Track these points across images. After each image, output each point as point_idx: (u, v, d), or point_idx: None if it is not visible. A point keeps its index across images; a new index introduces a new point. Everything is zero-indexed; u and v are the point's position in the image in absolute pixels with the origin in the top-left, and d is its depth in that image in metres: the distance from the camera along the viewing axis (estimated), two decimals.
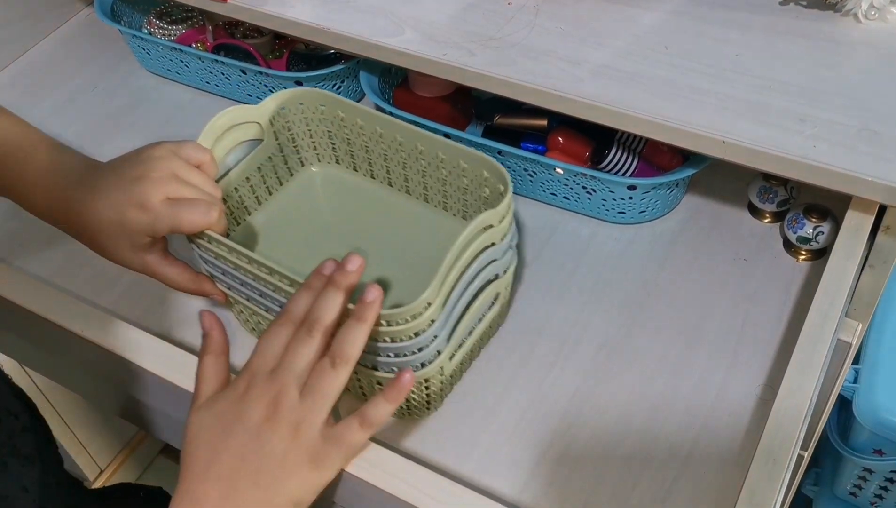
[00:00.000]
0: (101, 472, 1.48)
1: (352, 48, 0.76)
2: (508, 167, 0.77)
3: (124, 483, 0.93)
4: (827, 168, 0.60)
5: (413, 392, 0.61)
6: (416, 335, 0.56)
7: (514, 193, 0.80)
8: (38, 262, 0.79)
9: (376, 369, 0.59)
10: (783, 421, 0.53)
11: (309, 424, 0.51)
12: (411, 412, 0.64)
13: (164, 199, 0.60)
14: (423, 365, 0.59)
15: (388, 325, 0.54)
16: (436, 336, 0.57)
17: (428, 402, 0.63)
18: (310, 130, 0.75)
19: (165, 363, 0.63)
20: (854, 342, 0.73)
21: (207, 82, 0.92)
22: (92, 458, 1.45)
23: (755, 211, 0.77)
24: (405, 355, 0.57)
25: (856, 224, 0.64)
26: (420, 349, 0.57)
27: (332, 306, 0.54)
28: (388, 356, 0.57)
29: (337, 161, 0.78)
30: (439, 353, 0.59)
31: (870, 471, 1.11)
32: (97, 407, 1.39)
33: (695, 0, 0.74)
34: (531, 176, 0.77)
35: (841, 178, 0.60)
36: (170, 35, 0.97)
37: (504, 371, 0.68)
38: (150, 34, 0.97)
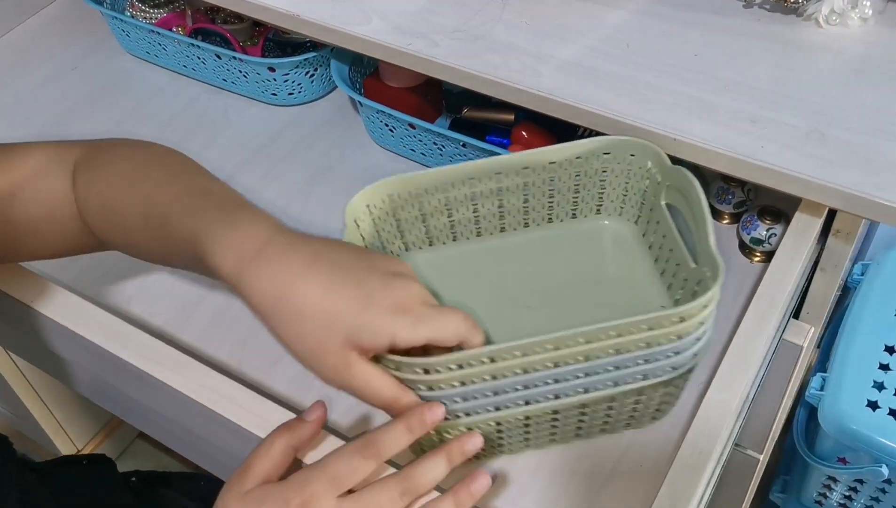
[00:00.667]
0: (79, 452, 1.49)
1: (320, 35, 0.77)
2: (472, 160, 0.78)
3: (65, 455, 0.93)
4: (774, 169, 0.61)
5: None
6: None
7: None
8: None
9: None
10: (711, 415, 0.54)
11: None
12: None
13: (425, 301, 0.49)
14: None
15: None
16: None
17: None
18: (397, 219, 0.66)
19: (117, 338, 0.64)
20: (805, 345, 0.73)
21: (184, 66, 0.93)
22: (70, 439, 1.46)
23: (714, 212, 0.77)
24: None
25: (803, 226, 0.64)
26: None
27: (434, 477, 0.47)
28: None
29: (430, 242, 0.69)
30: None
31: (834, 479, 1.11)
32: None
33: (660, 0, 0.75)
34: None
35: (787, 179, 0.61)
36: (151, 18, 0.98)
37: None
38: (133, 17, 0.98)
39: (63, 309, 0.63)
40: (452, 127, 0.83)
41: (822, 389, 1.07)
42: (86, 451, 1.50)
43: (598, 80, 0.68)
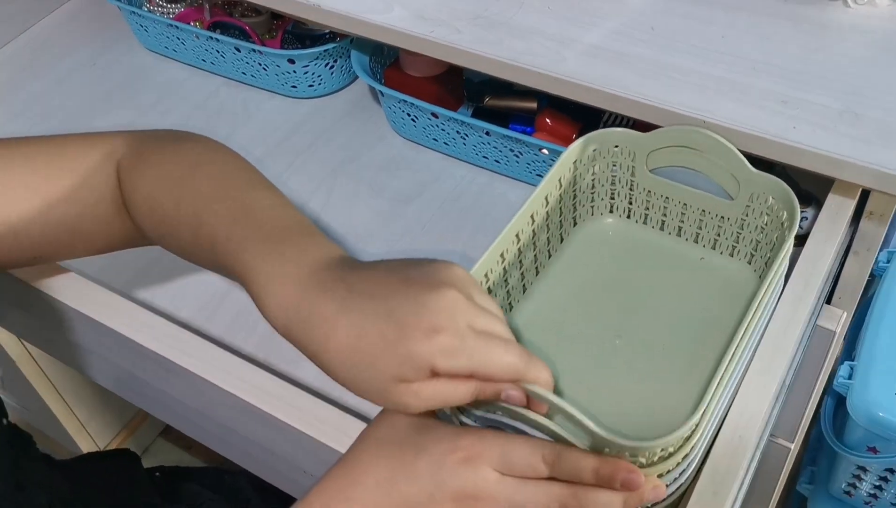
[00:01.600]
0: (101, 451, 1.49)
1: (341, 25, 0.76)
2: (495, 148, 0.77)
3: (89, 452, 0.93)
4: (805, 149, 0.60)
5: None
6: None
7: (501, 173, 0.81)
8: None
9: None
10: (749, 401, 0.53)
11: None
12: None
13: (469, 326, 0.44)
14: None
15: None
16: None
17: None
18: (614, 176, 0.66)
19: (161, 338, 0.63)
20: (838, 331, 0.72)
21: (203, 60, 0.93)
22: (91, 437, 1.46)
23: None
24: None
25: (836, 208, 0.63)
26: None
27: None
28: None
29: (629, 214, 0.69)
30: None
31: (864, 469, 1.10)
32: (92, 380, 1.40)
33: None
34: (517, 157, 0.77)
35: (820, 159, 0.60)
36: (169, 13, 0.98)
37: None
38: (150, 12, 0.97)
39: (88, 300, 0.62)
40: (475, 115, 0.82)
41: (850, 377, 1.06)
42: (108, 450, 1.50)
43: (623, 63, 0.67)
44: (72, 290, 0.64)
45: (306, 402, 0.55)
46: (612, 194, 0.68)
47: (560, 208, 0.65)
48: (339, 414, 0.55)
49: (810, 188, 0.71)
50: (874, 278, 1.14)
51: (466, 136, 0.78)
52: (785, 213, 0.58)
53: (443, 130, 0.79)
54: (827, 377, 1.05)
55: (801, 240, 0.72)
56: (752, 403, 0.53)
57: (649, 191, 0.66)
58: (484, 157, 0.79)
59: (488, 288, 0.58)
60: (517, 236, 0.60)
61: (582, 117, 0.77)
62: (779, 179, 0.58)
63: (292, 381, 0.58)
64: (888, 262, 1.12)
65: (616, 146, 0.64)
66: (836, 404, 1.12)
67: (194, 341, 0.59)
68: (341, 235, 0.78)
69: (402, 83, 0.83)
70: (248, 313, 0.71)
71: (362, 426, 0.52)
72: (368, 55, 0.84)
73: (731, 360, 0.49)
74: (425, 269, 0.46)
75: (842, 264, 0.70)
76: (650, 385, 0.58)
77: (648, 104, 0.65)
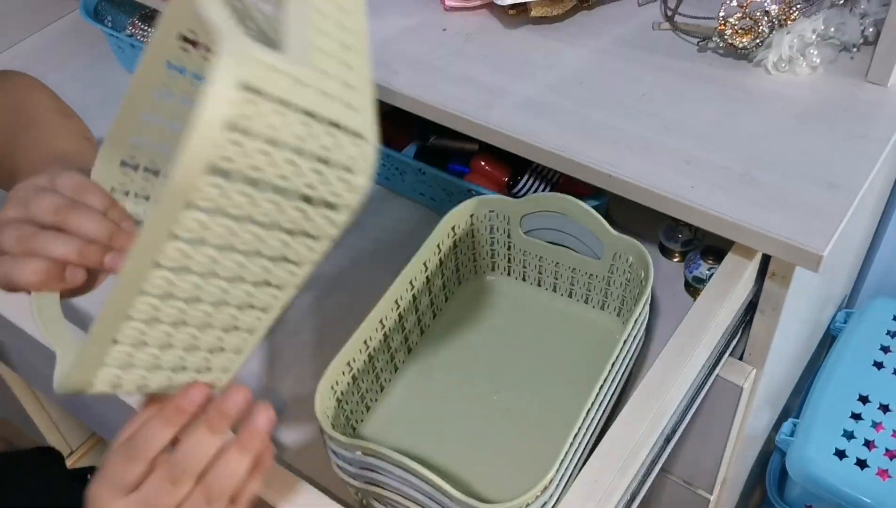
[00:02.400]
0: (72, 452, 1.52)
1: None
2: (430, 186, 0.80)
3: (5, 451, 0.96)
4: (701, 209, 0.62)
5: None
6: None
7: (434, 209, 0.83)
8: None
9: None
10: (613, 446, 0.55)
11: None
12: None
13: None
14: None
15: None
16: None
17: None
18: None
19: None
20: (746, 386, 0.74)
21: None
22: (63, 437, 1.50)
23: (664, 250, 0.78)
24: None
25: (733, 267, 0.65)
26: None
27: (203, 452, 0.42)
28: None
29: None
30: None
31: None
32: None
33: (621, 41, 0.77)
34: (450, 196, 0.80)
35: (714, 220, 0.62)
36: (148, 37, 1.02)
37: None
38: (132, 35, 1.02)
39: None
40: (419, 153, 0.85)
41: (791, 434, 1.07)
42: (80, 450, 1.53)
43: (547, 115, 0.70)
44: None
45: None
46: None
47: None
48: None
49: (724, 245, 0.73)
50: (832, 337, 1.15)
51: (404, 172, 0.81)
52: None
53: (383, 165, 0.82)
54: (766, 434, 1.06)
55: None
56: (615, 449, 0.55)
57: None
58: (420, 193, 0.82)
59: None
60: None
61: (512, 162, 0.80)
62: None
63: None
64: (844, 322, 1.13)
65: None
66: (781, 460, 1.13)
67: None
68: None
69: None
70: None
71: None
72: None
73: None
74: None
75: (750, 322, 0.72)
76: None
77: (562, 156, 0.67)
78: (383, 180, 0.85)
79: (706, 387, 0.68)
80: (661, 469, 0.66)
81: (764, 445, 1.10)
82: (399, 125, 0.87)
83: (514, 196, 0.78)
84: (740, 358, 0.75)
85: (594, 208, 0.75)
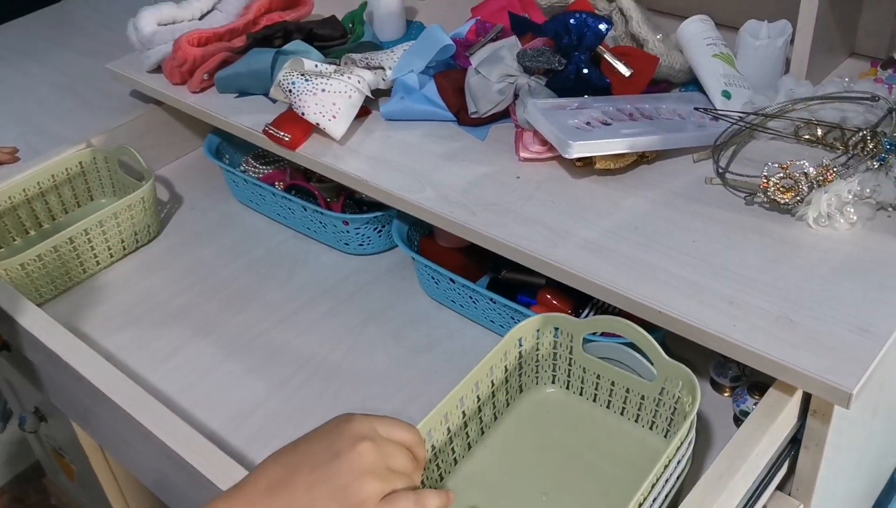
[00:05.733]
0: None
1: (382, 198, 0.92)
2: (499, 314, 0.89)
3: None
4: (741, 346, 0.69)
5: None
6: None
7: (503, 335, 0.92)
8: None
9: None
10: None
11: None
12: None
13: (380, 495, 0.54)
14: None
15: None
16: None
17: None
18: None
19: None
20: None
21: (278, 214, 1.10)
22: None
23: (715, 385, 0.84)
24: None
25: (773, 401, 0.71)
26: None
27: None
28: None
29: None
30: None
31: None
32: None
33: (676, 193, 0.86)
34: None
35: (752, 356, 0.68)
36: (259, 173, 1.16)
37: None
38: (245, 171, 1.16)
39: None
40: (491, 284, 0.94)
41: None
42: None
43: (605, 256, 0.79)
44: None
45: None
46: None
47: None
48: None
49: (769, 382, 0.78)
50: (892, 486, 1.15)
51: (477, 301, 0.90)
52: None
53: (459, 293, 0.92)
54: None
55: None
56: None
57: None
58: (491, 321, 0.91)
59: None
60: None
61: (576, 296, 0.88)
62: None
63: None
64: None
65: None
66: None
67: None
68: (357, 374, 0.90)
69: (433, 251, 0.97)
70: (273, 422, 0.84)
71: None
72: (409, 224, 0.99)
73: None
74: (325, 441, 0.55)
75: (796, 457, 0.76)
76: None
77: (618, 293, 0.75)
78: (458, 307, 0.94)
79: None
80: None
81: None
82: (475, 259, 0.97)
83: None
84: (790, 493, 0.79)
85: (654, 337, 0.82)
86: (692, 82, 1.00)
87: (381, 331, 0.95)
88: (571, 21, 0.92)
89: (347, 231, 1.02)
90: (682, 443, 0.65)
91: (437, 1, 1.33)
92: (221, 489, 0.69)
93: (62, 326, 0.88)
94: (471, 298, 0.91)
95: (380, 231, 1.03)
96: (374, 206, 1.08)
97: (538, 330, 0.79)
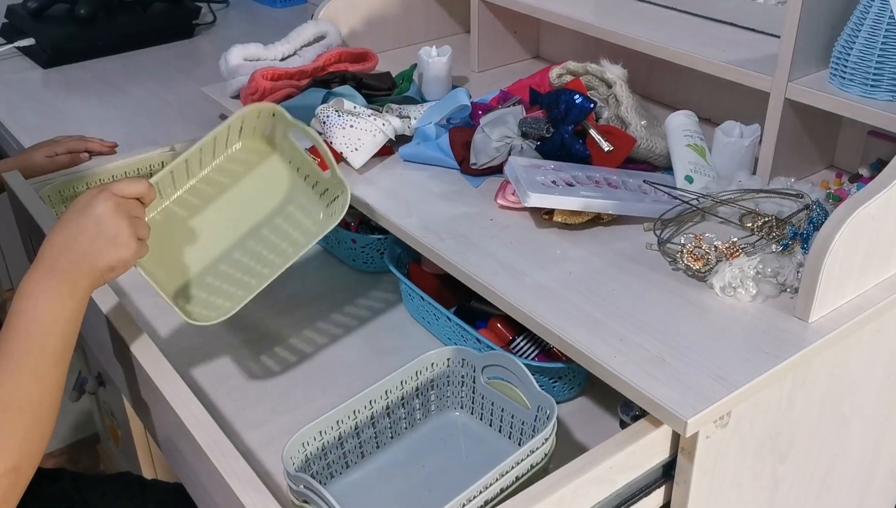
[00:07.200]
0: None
1: (376, 217, 1.08)
2: (463, 338, 1.03)
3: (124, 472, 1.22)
4: (615, 374, 0.80)
5: None
6: None
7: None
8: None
9: None
10: None
11: None
12: None
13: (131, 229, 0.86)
14: None
15: None
16: None
17: None
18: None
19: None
20: None
21: None
22: None
23: (622, 423, 0.94)
24: None
25: (640, 428, 0.81)
26: None
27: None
28: None
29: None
30: None
31: None
32: None
33: (618, 251, 0.98)
34: (477, 343, 1.01)
35: (622, 383, 0.80)
36: None
37: None
38: None
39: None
40: (459, 310, 1.09)
41: None
42: None
43: (534, 290, 0.92)
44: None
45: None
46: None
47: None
48: None
49: None
50: None
51: (439, 319, 1.05)
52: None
53: (427, 311, 1.07)
54: None
55: None
56: None
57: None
58: (449, 338, 1.05)
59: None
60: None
61: (521, 328, 1.01)
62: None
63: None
64: None
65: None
66: None
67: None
68: (327, 362, 1.06)
69: (418, 274, 1.12)
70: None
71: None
72: (402, 249, 1.15)
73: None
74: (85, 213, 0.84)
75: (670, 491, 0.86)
76: None
77: (531, 317, 0.88)
78: (426, 323, 1.09)
79: None
80: None
81: None
82: (451, 288, 1.12)
83: (511, 352, 0.99)
84: None
85: (561, 370, 0.94)
86: (672, 166, 1.12)
87: (361, 333, 1.11)
88: (562, 97, 1.08)
89: (355, 249, 1.19)
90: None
91: (488, 74, 1.51)
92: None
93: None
94: (435, 316, 1.05)
95: (381, 253, 1.19)
96: (383, 232, 1.25)
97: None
